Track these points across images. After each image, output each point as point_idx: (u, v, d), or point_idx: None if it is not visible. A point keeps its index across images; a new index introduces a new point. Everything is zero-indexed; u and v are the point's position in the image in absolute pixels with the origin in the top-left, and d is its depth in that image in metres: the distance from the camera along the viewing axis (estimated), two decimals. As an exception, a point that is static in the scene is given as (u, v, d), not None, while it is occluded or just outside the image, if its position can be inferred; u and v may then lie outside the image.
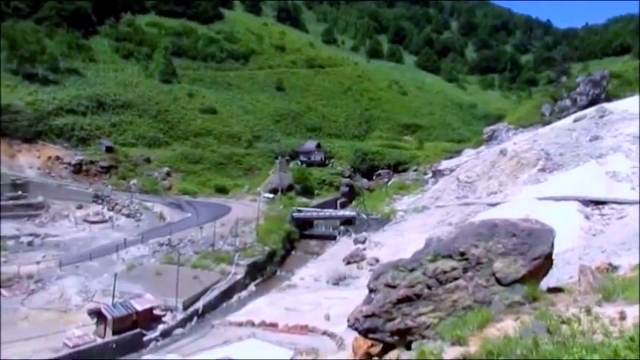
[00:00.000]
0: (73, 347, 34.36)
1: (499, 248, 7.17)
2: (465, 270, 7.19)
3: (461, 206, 69.49)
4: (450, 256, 7.32)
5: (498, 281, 7.06)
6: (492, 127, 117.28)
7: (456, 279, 7.18)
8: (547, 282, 8.02)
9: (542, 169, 70.13)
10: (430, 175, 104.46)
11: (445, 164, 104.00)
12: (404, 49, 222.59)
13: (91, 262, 48.51)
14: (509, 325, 6.12)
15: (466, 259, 7.20)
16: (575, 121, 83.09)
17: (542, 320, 5.96)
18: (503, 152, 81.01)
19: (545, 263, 7.32)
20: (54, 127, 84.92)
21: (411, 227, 67.22)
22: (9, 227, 59.93)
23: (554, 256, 7.68)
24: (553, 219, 9.50)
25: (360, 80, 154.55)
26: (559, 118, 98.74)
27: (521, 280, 7.03)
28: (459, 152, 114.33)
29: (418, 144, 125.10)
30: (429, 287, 7.21)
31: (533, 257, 7.09)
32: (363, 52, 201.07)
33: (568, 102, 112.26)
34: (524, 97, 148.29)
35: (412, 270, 7.48)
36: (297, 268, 59.35)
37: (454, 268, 7.21)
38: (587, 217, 50.46)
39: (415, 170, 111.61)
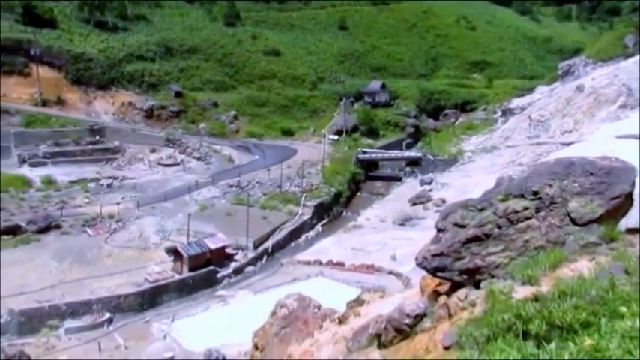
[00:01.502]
0: (154, 282, 36.88)
1: (575, 187, 6.89)
2: (538, 210, 6.98)
3: (532, 146, 67.36)
4: (521, 196, 7.12)
5: (573, 221, 6.82)
6: (568, 62, 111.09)
7: (527, 219, 7.00)
8: (626, 223, 7.69)
9: (623, 106, 66.46)
10: (500, 114, 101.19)
11: (516, 102, 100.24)
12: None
13: (166, 203, 50.99)
14: (583, 266, 5.96)
15: (539, 199, 6.98)
16: (662, 52, 77.37)
17: (620, 261, 5.76)
18: (579, 88, 77.05)
19: (625, 203, 6.99)
20: (125, 73, 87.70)
21: (479, 168, 65.98)
22: (90, 170, 63.58)
23: (634, 197, 7.32)
24: (633, 158, 9.01)
25: (425, 16, 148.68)
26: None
27: (598, 221, 6.76)
28: (531, 89, 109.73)
29: (487, 82, 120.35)
30: (500, 227, 7.08)
31: (612, 197, 6.78)
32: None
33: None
34: (605, 29, 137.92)
35: (482, 210, 7.35)
36: (363, 209, 59.98)
37: (526, 208, 7.02)
38: (670, 156, 47.58)
39: (484, 109, 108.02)
